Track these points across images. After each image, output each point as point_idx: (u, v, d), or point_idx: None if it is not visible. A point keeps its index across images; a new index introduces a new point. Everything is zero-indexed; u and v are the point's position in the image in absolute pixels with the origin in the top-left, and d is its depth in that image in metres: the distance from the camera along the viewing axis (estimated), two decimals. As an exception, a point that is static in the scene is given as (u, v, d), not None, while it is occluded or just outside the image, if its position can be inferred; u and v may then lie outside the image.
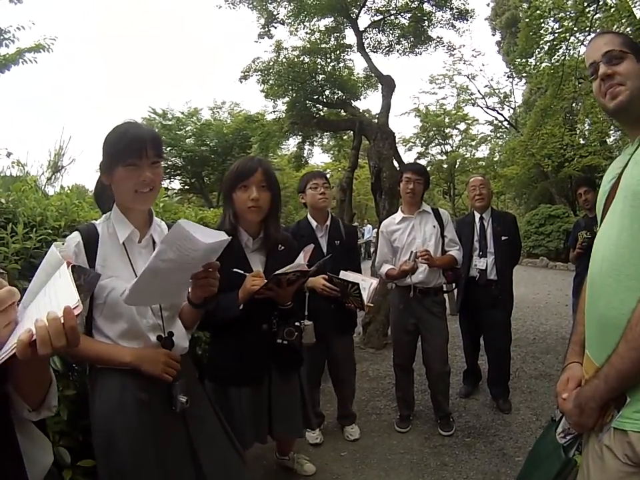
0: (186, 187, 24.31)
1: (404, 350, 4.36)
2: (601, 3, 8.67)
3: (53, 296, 1.00)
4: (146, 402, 1.92)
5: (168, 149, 20.85)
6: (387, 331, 6.70)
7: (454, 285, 4.52)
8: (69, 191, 3.38)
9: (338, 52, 10.97)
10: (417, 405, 4.63)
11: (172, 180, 23.87)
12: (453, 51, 12.22)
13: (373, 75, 10.72)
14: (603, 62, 1.56)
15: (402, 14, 10.46)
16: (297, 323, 2.77)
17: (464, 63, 23.05)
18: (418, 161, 29.39)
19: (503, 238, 4.73)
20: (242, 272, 2.49)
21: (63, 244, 1.88)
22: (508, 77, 24.28)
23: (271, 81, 11.16)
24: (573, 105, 14.41)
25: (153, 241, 2.03)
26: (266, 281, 2.49)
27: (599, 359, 1.42)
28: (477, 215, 4.84)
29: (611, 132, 15.65)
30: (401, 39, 10.92)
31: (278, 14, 10.62)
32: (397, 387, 4.51)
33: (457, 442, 4.08)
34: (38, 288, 1.04)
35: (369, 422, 4.50)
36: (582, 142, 18.41)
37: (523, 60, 12.04)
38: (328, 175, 4.30)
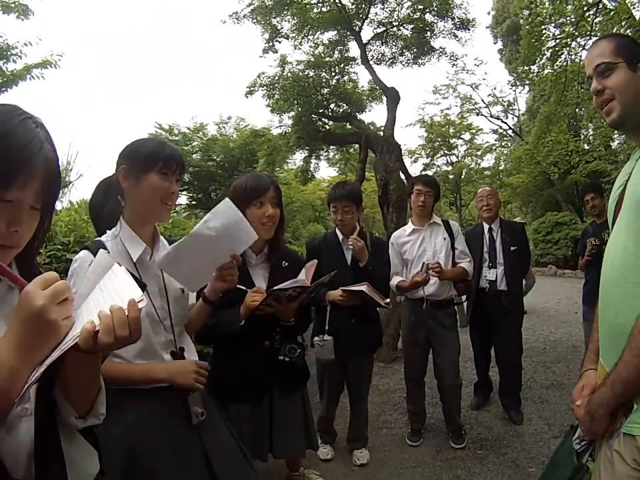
0: (193, 202, 24.34)
1: (415, 363, 4.33)
2: (600, 7, 8.69)
3: (112, 292, 1.01)
4: (165, 416, 1.92)
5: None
6: (397, 344, 6.68)
7: (465, 297, 4.48)
8: (77, 207, 3.39)
9: (342, 65, 11.06)
10: (428, 418, 4.58)
11: (179, 195, 23.89)
12: (455, 60, 12.31)
13: (377, 87, 10.80)
14: (594, 76, 1.58)
15: (404, 25, 10.55)
16: (300, 340, 2.77)
17: (467, 73, 23.14)
18: (424, 172, 29.61)
19: (512, 248, 4.71)
20: (244, 288, 2.48)
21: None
22: (511, 85, 24.33)
23: (276, 96, 11.24)
24: (577, 110, 14.42)
25: None
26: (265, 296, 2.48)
27: (610, 365, 1.43)
28: (486, 226, 4.83)
29: (615, 136, 15.67)
30: (404, 50, 11.00)
31: (282, 28, 10.74)
32: (408, 400, 4.47)
33: (469, 454, 4.03)
34: (88, 290, 1.04)
35: (379, 436, 4.46)
36: (587, 147, 18.38)
37: (526, 67, 12.10)
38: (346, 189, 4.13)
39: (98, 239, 1.99)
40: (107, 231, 1.99)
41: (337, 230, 3.85)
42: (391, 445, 4.28)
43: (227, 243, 1.95)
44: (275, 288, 2.43)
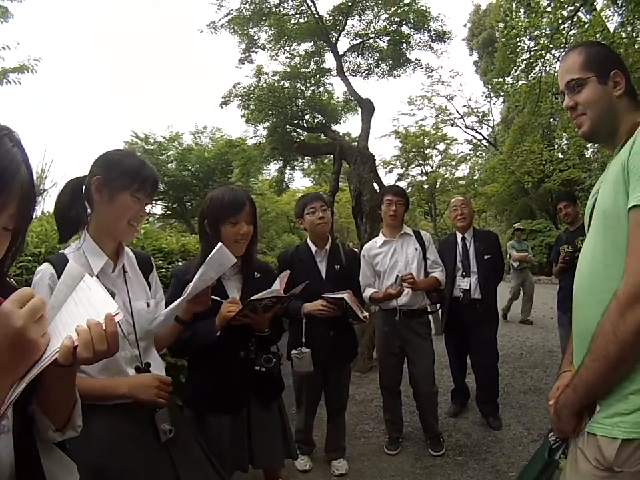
0: (167, 212, 24.18)
1: (390, 372, 4.33)
2: (575, 20, 8.86)
3: (87, 305, 1.00)
4: (133, 434, 1.89)
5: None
6: (372, 354, 6.68)
7: (438, 305, 4.51)
8: (49, 217, 3.32)
9: (318, 76, 11.12)
10: (406, 426, 4.58)
11: (154, 205, 23.78)
12: (431, 72, 12.55)
13: (352, 98, 10.87)
14: (566, 92, 1.64)
15: (381, 37, 10.69)
16: (274, 350, 2.76)
17: (442, 84, 23.40)
18: (398, 183, 29.87)
19: (486, 257, 4.78)
20: (218, 299, 2.48)
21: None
22: (486, 96, 24.62)
23: (251, 106, 11.24)
24: (551, 120, 14.63)
25: (124, 270, 2.00)
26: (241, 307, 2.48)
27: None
28: (459, 235, 4.90)
29: (589, 145, 15.92)
30: (380, 62, 11.13)
31: (258, 39, 10.77)
32: (385, 409, 4.47)
33: (449, 462, 4.03)
34: (60, 302, 1.03)
35: (357, 445, 4.44)
36: (561, 156, 18.69)
37: (501, 79, 12.28)
38: (320, 193, 4.17)
39: (61, 251, 1.97)
40: (70, 243, 1.97)
41: (309, 241, 3.82)
42: (369, 455, 4.26)
43: (210, 277, 2.02)
44: (252, 298, 2.42)
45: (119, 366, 1.91)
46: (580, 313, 1.54)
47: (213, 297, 2.30)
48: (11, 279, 1.16)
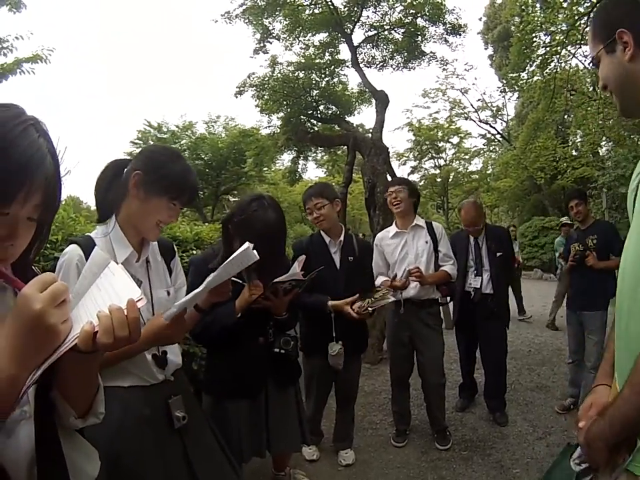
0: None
1: (400, 363, 4.35)
2: (591, 16, 8.77)
3: (110, 291, 0.99)
4: (148, 417, 1.92)
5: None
6: (383, 346, 6.70)
7: (448, 298, 4.51)
8: (65, 204, 3.36)
9: (332, 67, 11.10)
10: (413, 419, 4.60)
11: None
12: (445, 65, 12.41)
13: (366, 90, 10.85)
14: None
15: (396, 29, 10.62)
16: (293, 334, 2.79)
17: (457, 77, 23.37)
18: (411, 175, 29.86)
19: (498, 254, 4.80)
20: (240, 282, 2.50)
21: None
22: (500, 90, 24.44)
23: (265, 96, 11.26)
24: (565, 117, 14.53)
25: (147, 261, 2.02)
26: (264, 290, 2.51)
27: (621, 384, 1.28)
28: (471, 237, 4.92)
29: (603, 143, 15.79)
30: (395, 54, 11.07)
31: (273, 29, 10.78)
32: (393, 401, 4.49)
33: (454, 455, 4.05)
34: (85, 288, 1.01)
35: (365, 437, 4.47)
36: (574, 153, 18.54)
37: (516, 74, 12.19)
38: (318, 186, 4.07)
39: (88, 234, 1.97)
40: (97, 227, 1.97)
41: (322, 232, 3.81)
42: (376, 446, 4.29)
43: (228, 273, 2.00)
44: (275, 280, 2.47)
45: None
46: (622, 317, 1.31)
47: (234, 279, 2.32)
48: (36, 268, 1.15)
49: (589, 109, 11.80)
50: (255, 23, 10.50)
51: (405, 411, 4.45)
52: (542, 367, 6.56)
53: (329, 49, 10.96)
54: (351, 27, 10.14)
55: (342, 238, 3.77)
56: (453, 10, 10.26)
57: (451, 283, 4.34)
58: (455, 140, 29.44)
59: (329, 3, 9.71)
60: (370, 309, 3.45)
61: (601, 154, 18.32)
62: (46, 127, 1.01)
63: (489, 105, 26.01)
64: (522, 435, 4.39)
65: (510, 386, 5.36)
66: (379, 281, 4.16)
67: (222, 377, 2.68)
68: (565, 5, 9.08)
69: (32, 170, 0.92)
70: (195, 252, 4.02)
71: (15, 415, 0.96)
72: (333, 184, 25.10)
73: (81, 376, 1.06)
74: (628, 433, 1.20)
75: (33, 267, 1.12)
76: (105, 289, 1.01)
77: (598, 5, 8.64)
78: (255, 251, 1.90)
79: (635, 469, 1.19)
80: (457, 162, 30.76)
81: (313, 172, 50.44)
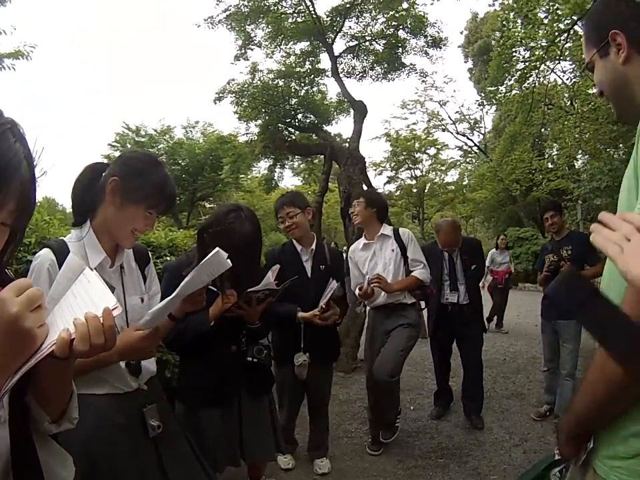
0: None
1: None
2: (571, 33, 8.94)
3: (86, 299, 0.99)
4: (122, 425, 1.89)
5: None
6: (357, 355, 6.74)
7: (423, 304, 4.53)
8: (39, 206, 3.32)
9: (312, 76, 11.16)
10: (390, 427, 4.59)
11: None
12: (425, 77, 12.58)
13: (345, 100, 10.94)
14: None
15: (377, 40, 10.75)
16: (265, 343, 2.80)
17: (435, 90, 23.56)
18: (387, 186, 30.02)
19: (472, 267, 4.95)
20: (215, 289, 2.50)
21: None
22: (479, 103, 24.69)
23: (244, 103, 11.26)
24: (542, 130, 14.75)
25: (121, 267, 1.99)
26: (237, 298, 2.51)
27: None
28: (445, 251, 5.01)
29: (579, 156, 16.06)
30: (375, 65, 11.20)
31: (255, 36, 10.81)
32: (369, 409, 4.47)
33: (431, 463, 4.05)
34: (59, 294, 1.02)
35: (340, 445, 4.45)
36: (550, 166, 18.83)
37: (494, 87, 12.35)
38: (289, 194, 4.05)
39: (61, 238, 1.94)
40: (72, 231, 1.95)
41: (294, 241, 3.81)
42: (351, 454, 4.27)
43: (201, 281, 1.98)
44: (249, 290, 2.47)
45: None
46: None
47: (211, 287, 2.31)
48: (9, 271, 1.13)
49: (565, 122, 12.06)
50: (237, 29, 10.52)
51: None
52: (517, 374, 6.63)
53: (310, 58, 11.03)
54: (333, 36, 10.24)
55: (314, 246, 3.79)
56: (435, 23, 10.45)
57: (425, 287, 4.31)
58: (432, 151, 29.67)
59: (312, 13, 9.79)
60: (323, 306, 3.45)
61: (576, 167, 18.64)
62: (22, 130, 0.99)
63: (467, 117, 26.34)
64: (498, 442, 4.43)
65: (486, 394, 5.39)
66: (357, 292, 4.17)
67: (195, 385, 2.67)
68: (545, 21, 9.24)
69: (9, 175, 0.91)
70: (169, 258, 3.99)
71: None
72: (309, 192, 25.13)
73: (56, 381, 1.06)
74: (582, 429, 1.23)
75: (7, 270, 1.11)
76: (80, 295, 1.02)
77: (577, 22, 8.84)
78: (228, 260, 1.89)
79: (597, 466, 1.19)
80: (434, 173, 31.00)
81: (289, 180, 50.46)
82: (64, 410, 1.13)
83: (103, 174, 1.90)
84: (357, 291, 4.18)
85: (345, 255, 4.66)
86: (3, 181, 0.89)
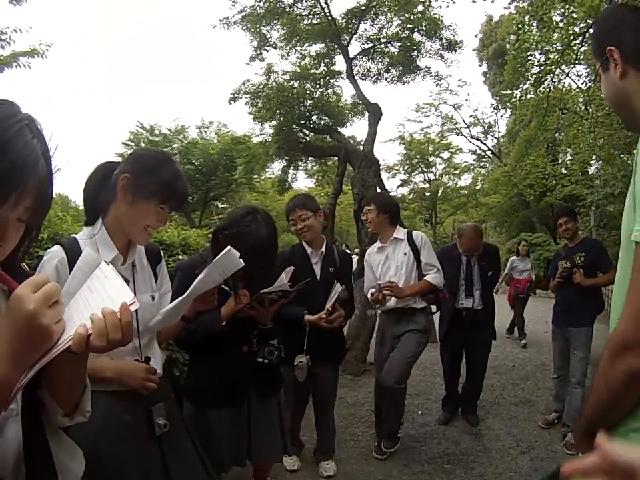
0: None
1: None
2: (587, 36, 8.87)
3: (103, 294, 0.99)
4: (130, 424, 1.90)
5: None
6: (366, 358, 6.71)
7: (434, 308, 4.51)
8: (52, 202, 3.33)
9: (327, 78, 11.18)
10: (397, 431, 4.59)
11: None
12: (440, 80, 12.56)
13: (360, 102, 10.92)
14: None
15: (392, 43, 10.75)
16: (276, 344, 2.79)
17: (450, 93, 23.52)
18: (401, 189, 29.95)
19: (489, 273, 4.96)
20: (228, 289, 2.50)
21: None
22: (493, 107, 24.71)
23: (259, 104, 11.29)
24: (556, 135, 14.67)
25: (133, 264, 2.00)
26: (250, 299, 2.51)
27: None
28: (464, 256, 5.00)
29: (593, 161, 15.95)
30: (390, 68, 11.20)
31: (270, 37, 10.84)
32: (376, 413, 4.46)
33: (437, 469, 4.04)
34: (75, 288, 1.01)
35: (346, 448, 4.44)
36: (564, 171, 18.72)
37: (509, 91, 12.29)
38: (302, 197, 4.06)
39: (73, 235, 1.95)
40: (84, 228, 1.96)
41: (303, 242, 3.83)
42: (357, 458, 4.26)
43: (214, 280, 2.02)
44: (262, 291, 2.47)
45: (120, 356, 1.91)
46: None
47: (223, 286, 2.32)
48: (26, 266, 1.15)
49: (580, 128, 11.95)
50: (252, 30, 10.55)
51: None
52: (526, 381, 6.57)
53: (325, 60, 11.05)
54: (348, 38, 10.24)
55: (323, 249, 3.80)
56: (450, 26, 10.45)
57: (437, 291, 4.28)
58: (446, 155, 29.60)
59: (327, 14, 9.79)
60: (329, 309, 3.44)
61: (590, 172, 18.51)
62: (40, 126, 1.00)
63: (481, 121, 26.27)
64: (505, 449, 4.39)
65: (494, 400, 5.39)
66: (369, 294, 4.22)
67: (205, 384, 2.66)
68: (560, 24, 9.18)
69: (26, 172, 0.92)
70: (181, 257, 3.99)
71: (2, 413, 0.95)
72: (322, 194, 25.05)
73: (70, 375, 1.06)
74: (592, 429, 1.26)
75: (23, 265, 1.12)
76: (97, 290, 1.01)
77: (592, 25, 8.78)
78: (240, 259, 1.91)
79: None
80: (447, 177, 30.91)
81: (302, 182, 50.44)
82: (77, 403, 1.13)
83: (114, 172, 1.91)
84: (369, 295, 4.21)
85: (356, 257, 4.66)
86: (19, 177, 0.90)
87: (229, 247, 1.90)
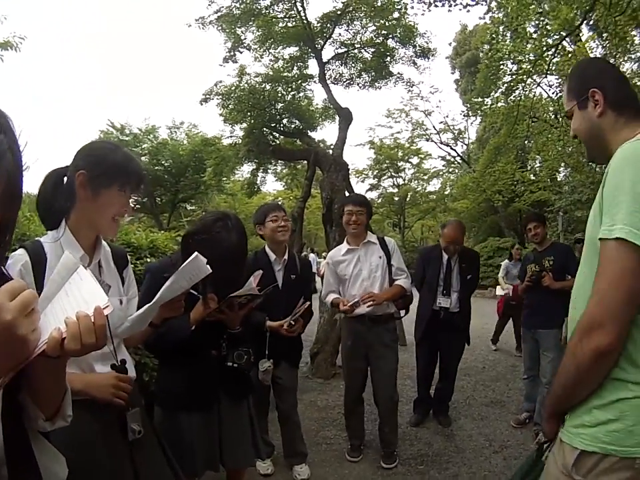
0: (137, 205, 23.94)
1: (354, 378, 4.33)
2: (559, 48, 9.05)
3: (78, 297, 0.99)
4: (99, 432, 1.87)
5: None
6: (335, 361, 6.72)
7: (403, 312, 4.55)
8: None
9: (299, 81, 11.19)
10: (368, 434, 4.59)
11: (135, 206, 23.47)
12: (411, 87, 12.68)
13: (331, 106, 10.96)
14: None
15: (366, 48, 10.82)
16: (245, 348, 2.79)
17: (421, 99, 23.64)
18: (369, 193, 30.07)
19: (468, 277, 5.01)
20: (196, 293, 2.48)
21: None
22: (464, 115, 24.91)
23: (230, 106, 11.22)
24: (526, 142, 14.92)
25: (99, 265, 1.97)
26: (219, 303, 2.51)
27: None
28: (445, 255, 5.03)
29: (561, 169, 16.25)
30: (363, 73, 11.28)
31: (245, 39, 10.79)
32: (347, 416, 4.46)
33: (410, 470, 4.06)
34: (53, 292, 1.01)
35: (319, 452, 4.43)
36: (532, 178, 19.06)
37: (480, 99, 12.47)
38: (279, 203, 4.20)
39: (37, 239, 1.92)
40: (48, 232, 1.91)
41: (267, 249, 3.88)
42: (331, 461, 4.26)
43: (181, 286, 2.02)
44: (231, 295, 2.46)
45: (87, 362, 1.89)
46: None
47: (191, 290, 2.29)
48: (5, 269, 1.11)
49: (549, 136, 12.29)
50: (227, 30, 10.49)
51: (359, 425, 4.44)
52: (497, 382, 6.67)
53: (298, 63, 11.05)
54: (322, 42, 10.28)
55: (286, 257, 3.86)
56: (424, 33, 10.55)
57: (406, 296, 4.35)
58: (415, 160, 29.87)
59: (303, 18, 9.82)
60: (292, 322, 3.54)
61: (558, 179, 18.87)
62: (9, 121, 0.97)
63: (451, 127, 26.51)
64: (478, 449, 4.45)
65: (465, 401, 5.45)
66: (330, 298, 4.23)
67: (174, 389, 2.63)
68: (534, 35, 9.34)
69: None
70: (149, 260, 3.95)
71: None
72: (291, 198, 24.97)
73: (49, 379, 1.06)
74: (559, 406, 1.50)
75: (3, 268, 1.09)
76: (72, 294, 1.01)
77: (565, 38, 8.97)
78: (207, 265, 1.92)
79: (562, 435, 1.45)
80: (416, 182, 31.19)
81: (271, 185, 50.31)
82: (58, 407, 1.13)
83: (64, 177, 1.90)
84: (330, 297, 4.24)
85: (324, 261, 4.68)
86: None
87: (196, 253, 1.89)
